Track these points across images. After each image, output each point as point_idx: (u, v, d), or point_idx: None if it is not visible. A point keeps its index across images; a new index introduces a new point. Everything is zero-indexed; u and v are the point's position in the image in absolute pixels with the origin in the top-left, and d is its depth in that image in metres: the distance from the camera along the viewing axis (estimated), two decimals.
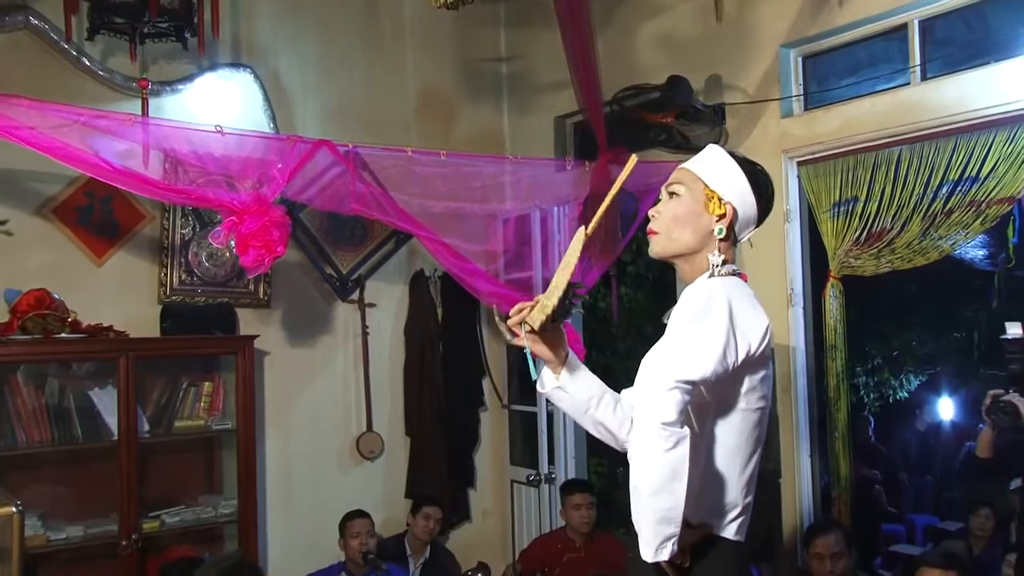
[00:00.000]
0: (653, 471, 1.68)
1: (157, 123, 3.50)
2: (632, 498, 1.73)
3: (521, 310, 1.91)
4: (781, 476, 3.86)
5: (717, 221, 1.91)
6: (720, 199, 1.91)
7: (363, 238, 4.88)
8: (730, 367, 1.78)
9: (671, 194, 1.96)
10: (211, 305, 4.33)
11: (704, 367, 1.73)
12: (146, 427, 3.99)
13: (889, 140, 3.60)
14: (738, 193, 1.93)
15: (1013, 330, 3.37)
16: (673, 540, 1.71)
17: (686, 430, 1.70)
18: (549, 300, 1.85)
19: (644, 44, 4.59)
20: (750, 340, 1.81)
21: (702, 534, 1.88)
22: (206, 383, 4.22)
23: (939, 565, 3.12)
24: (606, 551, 4.24)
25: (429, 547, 4.46)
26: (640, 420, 1.70)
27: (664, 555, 1.72)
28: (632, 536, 1.77)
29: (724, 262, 1.92)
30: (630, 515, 1.77)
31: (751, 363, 1.84)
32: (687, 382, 1.71)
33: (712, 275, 1.90)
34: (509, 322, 1.93)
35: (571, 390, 1.97)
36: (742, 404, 1.88)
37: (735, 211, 1.93)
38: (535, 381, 1.99)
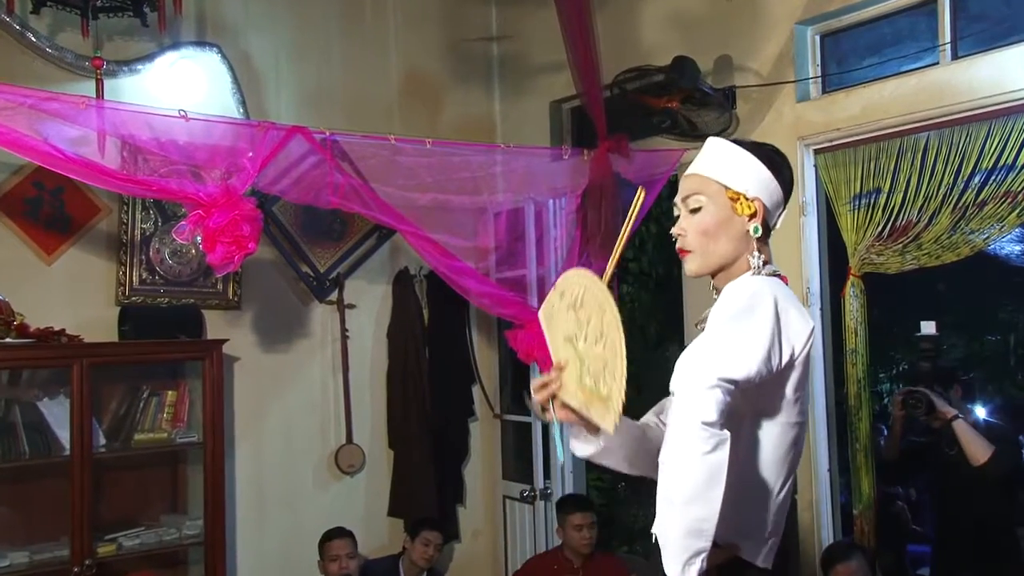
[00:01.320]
0: (689, 476, 1.63)
1: (114, 107, 3.46)
2: (660, 508, 1.68)
3: (545, 384, 1.87)
4: (797, 492, 3.81)
5: (750, 220, 1.90)
6: (746, 197, 1.90)
7: (342, 234, 4.83)
8: (774, 369, 1.76)
9: (693, 210, 1.93)
10: (175, 306, 4.28)
11: (748, 366, 1.69)
12: (102, 441, 3.92)
13: (916, 125, 3.55)
14: (762, 184, 1.92)
15: (927, 328, 3.58)
16: (703, 556, 1.65)
17: (727, 433, 1.64)
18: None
19: (647, 22, 4.54)
20: (794, 343, 1.80)
21: (728, 555, 1.83)
22: (169, 392, 4.15)
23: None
24: (606, 572, 4.23)
25: (426, 573, 4.42)
26: (677, 420, 1.66)
27: (692, 572, 1.64)
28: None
29: (765, 262, 1.91)
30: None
31: (793, 369, 1.82)
32: (730, 381, 1.66)
33: (755, 273, 1.89)
34: (536, 399, 1.89)
35: (618, 441, 1.93)
36: (782, 417, 1.85)
37: (764, 205, 1.92)
38: (561, 455, 1.95)
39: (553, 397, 1.86)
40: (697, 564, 1.65)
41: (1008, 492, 3.78)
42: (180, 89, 4.19)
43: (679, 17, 4.39)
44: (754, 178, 1.91)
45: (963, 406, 3.83)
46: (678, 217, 1.97)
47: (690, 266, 1.96)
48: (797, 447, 1.91)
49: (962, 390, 3.95)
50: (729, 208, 1.90)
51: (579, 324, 1.82)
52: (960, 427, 3.52)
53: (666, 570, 1.66)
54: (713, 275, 1.96)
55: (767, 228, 1.95)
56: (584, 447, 1.94)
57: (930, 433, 3.79)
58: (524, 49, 5.24)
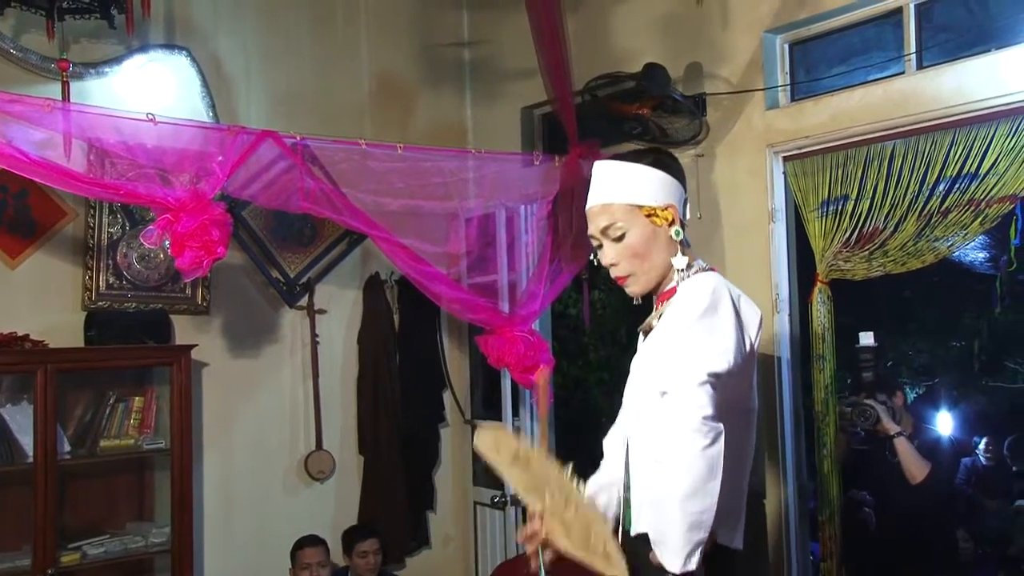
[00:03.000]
0: (691, 471, 1.72)
1: (80, 109, 3.41)
2: (660, 506, 1.78)
3: (532, 535, 1.95)
4: (765, 497, 3.83)
5: (671, 227, 2.02)
6: (660, 208, 2.02)
7: (312, 239, 4.80)
8: (742, 359, 1.87)
9: (616, 239, 2.03)
10: (143, 312, 4.22)
11: (728, 358, 1.83)
12: (67, 448, 3.86)
13: (882, 134, 3.58)
14: (666, 190, 2.04)
15: (866, 339, 3.69)
16: (702, 547, 1.74)
17: (721, 425, 1.75)
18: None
19: (618, 29, 4.55)
20: (750, 332, 1.97)
21: (712, 543, 1.89)
22: (136, 398, 4.10)
23: None
24: None
25: None
26: (676, 420, 1.76)
27: (692, 564, 1.73)
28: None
29: (689, 264, 2.02)
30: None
31: (752, 356, 1.96)
32: (715, 375, 1.79)
33: (688, 276, 2.01)
34: (528, 551, 1.99)
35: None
36: (744, 403, 1.97)
37: (675, 207, 2.04)
38: None
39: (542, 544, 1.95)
40: (697, 555, 1.74)
41: (945, 503, 3.90)
42: (148, 92, 4.14)
43: (650, 24, 4.41)
44: (658, 187, 2.02)
45: (905, 413, 3.93)
46: (599, 247, 2.06)
47: (633, 289, 2.06)
48: (754, 432, 2.04)
49: (903, 397, 4.06)
50: (649, 224, 2.01)
51: (536, 479, 1.95)
52: (901, 444, 3.70)
53: (667, 566, 1.75)
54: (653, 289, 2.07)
55: (682, 225, 2.07)
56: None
57: (875, 441, 3.90)
58: (496, 54, 5.24)
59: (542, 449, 2.05)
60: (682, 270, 2.00)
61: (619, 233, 2.01)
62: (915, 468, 3.69)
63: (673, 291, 2.02)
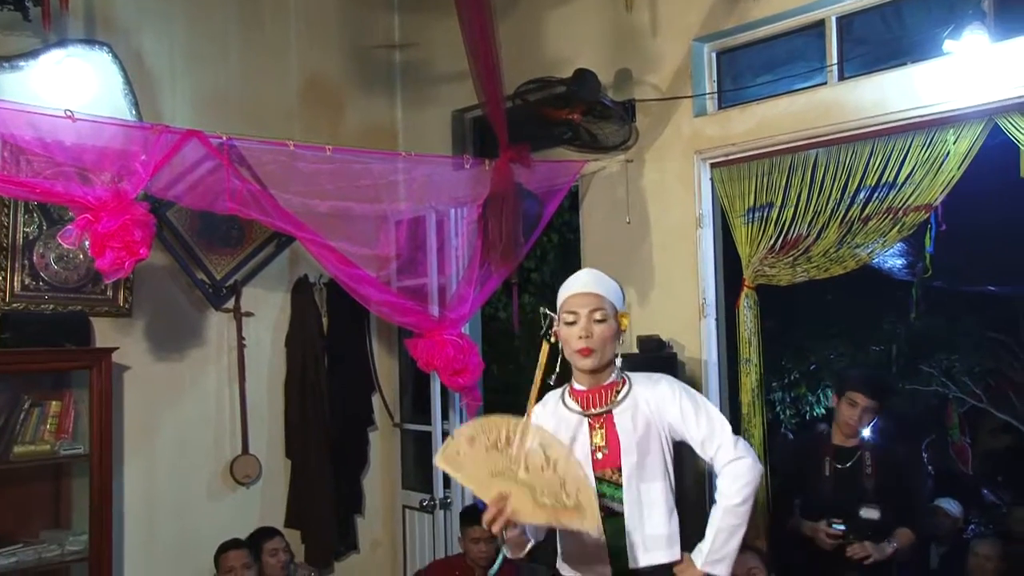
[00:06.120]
0: (750, 507, 2.45)
1: None
2: (733, 532, 2.43)
3: (496, 516, 2.29)
4: (694, 497, 3.87)
5: (622, 332, 2.58)
6: (623, 314, 2.59)
7: (239, 240, 4.71)
8: None
9: (598, 320, 2.50)
10: (60, 313, 4.10)
11: None
12: None
13: (805, 142, 3.66)
14: (622, 303, 2.62)
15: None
16: None
17: None
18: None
19: (549, 34, 4.57)
20: None
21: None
22: (53, 402, 3.98)
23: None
24: None
25: None
26: (750, 471, 2.44)
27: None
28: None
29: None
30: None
31: None
32: None
33: (619, 371, 2.60)
34: (494, 530, 2.33)
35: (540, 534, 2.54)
36: None
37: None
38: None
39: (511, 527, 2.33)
40: None
41: None
42: (67, 88, 3.98)
43: (581, 30, 4.43)
44: (621, 299, 2.61)
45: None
46: (573, 323, 2.50)
47: (591, 362, 2.51)
48: None
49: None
50: (616, 322, 2.54)
51: (511, 459, 2.33)
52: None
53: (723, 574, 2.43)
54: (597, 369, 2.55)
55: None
56: (518, 551, 2.48)
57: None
58: (427, 57, 5.21)
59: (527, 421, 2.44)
60: (619, 358, 2.58)
61: (602, 317, 2.50)
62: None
63: (614, 384, 2.56)
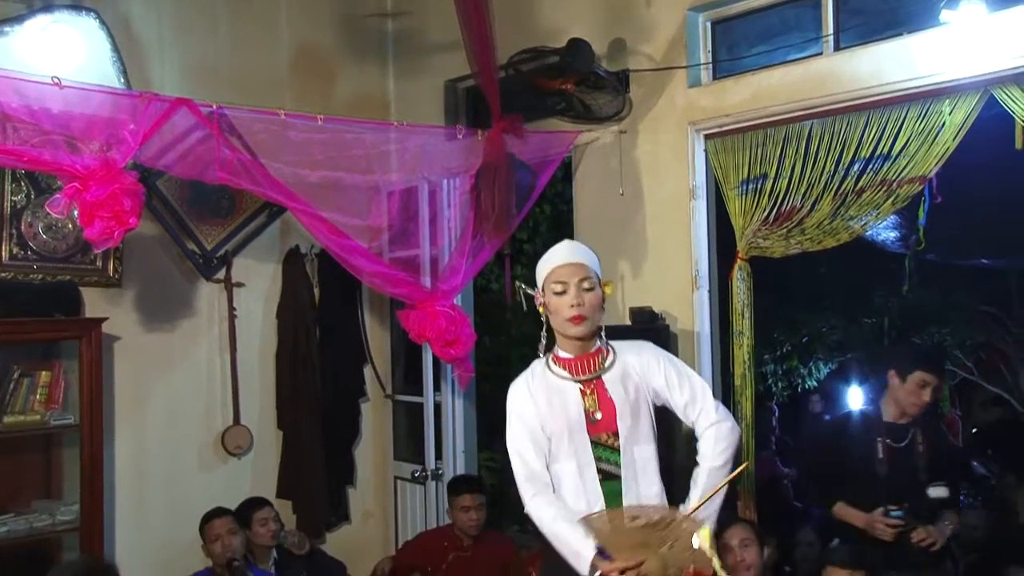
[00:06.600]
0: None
1: None
2: (717, 488, 2.47)
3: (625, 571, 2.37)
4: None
5: (604, 300, 2.69)
6: (604, 282, 2.70)
7: (230, 210, 4.69)
8: None
9: (587, 289, 2.61)
10: (50, 283, 4.08)
11: None
12: None
13: (800, 113, 3.63)
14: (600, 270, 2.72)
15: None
16: None
17: None
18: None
19: (543, 3, 4.52)
20: None
21: None
22: (43, 372, 3.97)
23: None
24: (495, 551, 4.25)
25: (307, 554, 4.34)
26: (733, 430, 2.61)
27: None
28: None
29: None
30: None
31: None
32: None
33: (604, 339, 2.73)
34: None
35: None
36: None
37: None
38: None
39: None
40: None
41: None
42: (54, 55, 3.91)
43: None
44: (600, 269, 2.72)
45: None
46: (563, 292, 2.59)
47: (582, 329, 2.61)
48: None
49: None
50: (600, 289, 2.65)
51: (661, 539, 2.38)
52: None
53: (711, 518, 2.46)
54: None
55: None
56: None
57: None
58: (419, 26, 5.16)
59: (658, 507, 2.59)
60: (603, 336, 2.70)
61: (590, 286, 2.61)
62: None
63: (600, 351, 2.67)
